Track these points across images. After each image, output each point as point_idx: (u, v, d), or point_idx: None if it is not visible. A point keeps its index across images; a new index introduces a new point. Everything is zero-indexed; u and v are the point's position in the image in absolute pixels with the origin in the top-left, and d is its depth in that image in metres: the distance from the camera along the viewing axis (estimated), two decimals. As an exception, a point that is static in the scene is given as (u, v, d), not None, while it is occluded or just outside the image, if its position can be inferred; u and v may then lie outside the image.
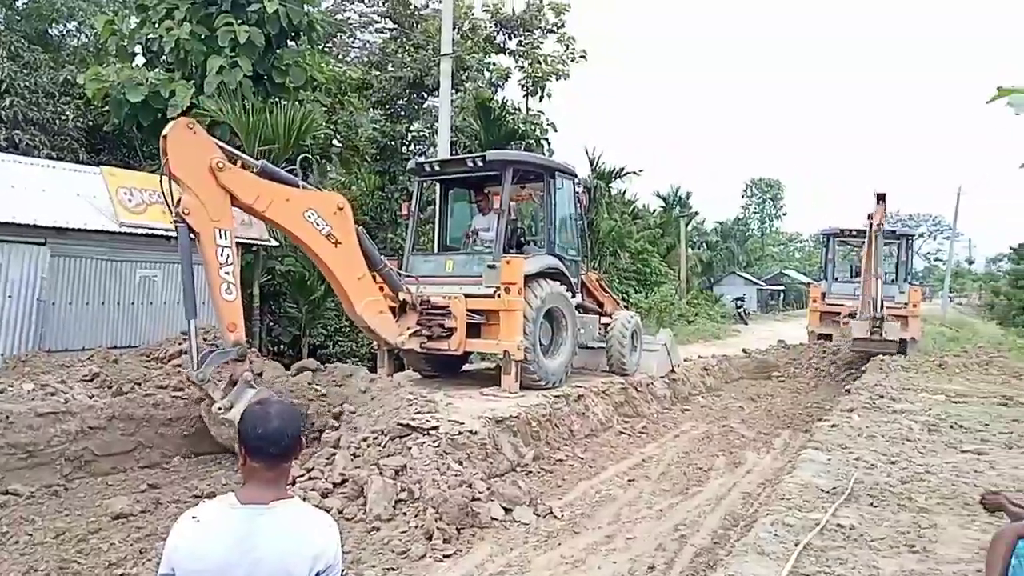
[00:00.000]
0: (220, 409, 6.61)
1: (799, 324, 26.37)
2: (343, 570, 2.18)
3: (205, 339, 8.33)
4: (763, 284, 60.82)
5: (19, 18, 17.84)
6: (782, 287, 64.33)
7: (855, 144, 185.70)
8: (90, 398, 7.23)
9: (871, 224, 14.15)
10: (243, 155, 7.79)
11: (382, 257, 8.89)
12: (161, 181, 6.77)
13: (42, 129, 15.03)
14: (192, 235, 6.63)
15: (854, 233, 21.43)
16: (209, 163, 6.75)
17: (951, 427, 8.29)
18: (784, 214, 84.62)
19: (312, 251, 7.83)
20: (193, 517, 2.05)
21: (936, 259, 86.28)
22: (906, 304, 17.79)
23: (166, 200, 6.75)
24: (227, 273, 6.76)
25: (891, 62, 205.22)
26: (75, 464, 6.72)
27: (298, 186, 7.76)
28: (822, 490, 5.64)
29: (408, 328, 9.00)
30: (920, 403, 9.87)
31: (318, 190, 8.32)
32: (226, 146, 7.35)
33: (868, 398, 10.07)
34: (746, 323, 38.32)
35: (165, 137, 6.64)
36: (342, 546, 5.23)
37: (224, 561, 1.96)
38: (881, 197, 14.26)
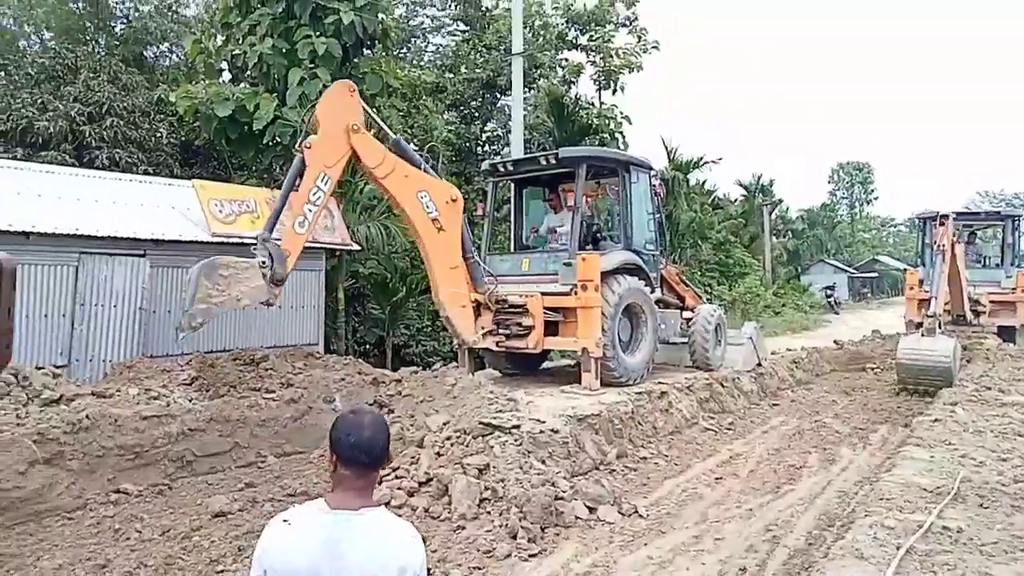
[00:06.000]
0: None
1: (895, 313, 25.12)
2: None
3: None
4: (855, 272, 58.29)
5: (117, 43, 18.98)
6: (875, 274, 61.53)
7: (950, 118, 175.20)
8: (189, 401, 7.60)
9: (937, 246, 12.96)
10: (385, 127, 8.88)
11: (474, 251, 9.15)
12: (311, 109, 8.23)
13: (139, 147, 15.96)
14: (302, 167, 7.55)
15: (953, 216, 20.22)
16: (347, 123, 7.87)
17: (1069, 420, 7.69)
18: (875, 198, 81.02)
19: (416, 229, 8.63)
20: (284, 520, 2.09)
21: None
22: (1014, 289, 16.68)
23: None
24: (309, 209, 7.58)
25: (987, 19, 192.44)
26: (177, 464, 7.07)
27: (420, 167, 8.59)
28: (925, 489, 5.33)
29: (483, 328, 9.08)
30: (1033, 395, 9.21)
31: (439, 178, 8.99)
32: (374, 116, 8.63)
33: (974, 390, 9.49)
34: (837, 313, 36.81)
35: (329, 88, 8.28)
36: (428, 545, 5.30)
37: (312, 565, 2.00)
38: (944, 218, 13.10)
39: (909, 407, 11.01)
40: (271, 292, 7.29)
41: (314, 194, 7.56)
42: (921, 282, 17.87)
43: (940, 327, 12.39)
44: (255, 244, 7.32)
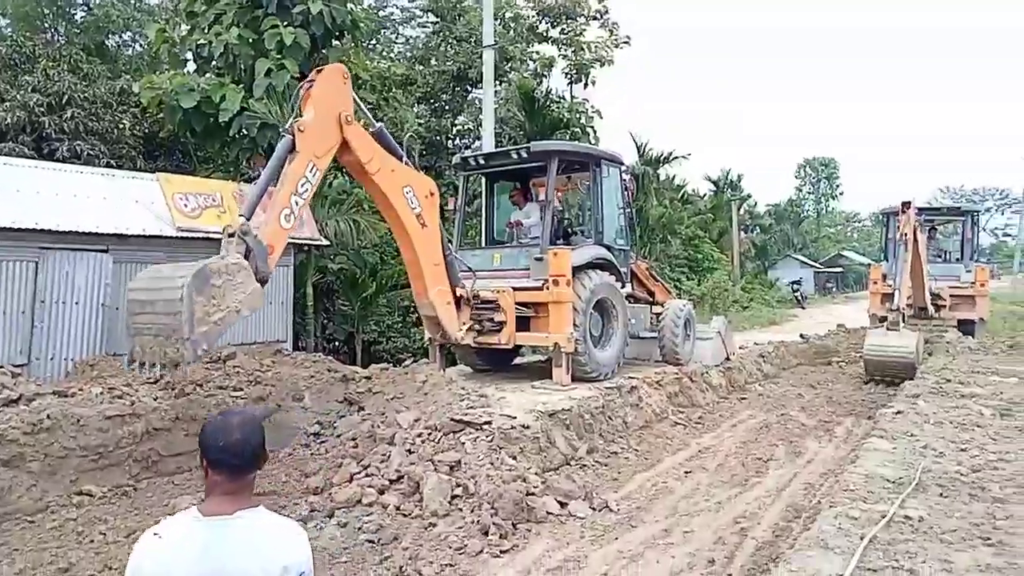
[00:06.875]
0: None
1: (859, 307, 25.62)
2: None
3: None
4: (820, 267, 59.27)
5: (78, 31, 18.48)
6: (840, 269, 62.68)
7: (914, 116, 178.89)
8: (155, 400, 7.44)
9: (900, 234, 12.93)
10: (367, 115, 8.13)
11: (450, 247, 8.97)
12: (299, 91, 7.19)
13: (101, 138, 15.57)
14: (290, 152, 6.78)
15: (916, 211, 20.64)
16: (339, 113, 7.20)
17: (1025, 412, 7.90)
18: (840, 193, 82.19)
19: (402, 226, 8.14)
20: (155, 534, 2.01)
21: (1005, 234, 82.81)
22: (973, 283, 17.10)
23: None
24: (295, 202, 6.77)
25: (949, 22, 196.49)
26: (143, 464, 6.93)
27: (402, 159, 8.07)
28: (888, 480, 5.44)
29: (463, 323, 9.05)
30: (991, 386, 9.44)
31: (416, 170, 8.47)
32: (360, 105, 7.75)
33: (935, 382, 9.70)
34: (803, 307, 37.38)
35: (320, 71, 7.28)
36: (400, 542, 5.27)
37: None
38: (906, 205, 13.18)
39: (873, 399, 11.25)
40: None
41: (302, 185, 6.76)
42: (885, 276, 18.23)
43: (903, 321, 12.64)
44: (230, 236, 6.21)
